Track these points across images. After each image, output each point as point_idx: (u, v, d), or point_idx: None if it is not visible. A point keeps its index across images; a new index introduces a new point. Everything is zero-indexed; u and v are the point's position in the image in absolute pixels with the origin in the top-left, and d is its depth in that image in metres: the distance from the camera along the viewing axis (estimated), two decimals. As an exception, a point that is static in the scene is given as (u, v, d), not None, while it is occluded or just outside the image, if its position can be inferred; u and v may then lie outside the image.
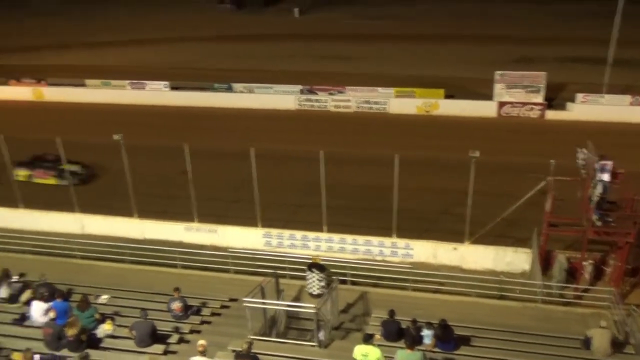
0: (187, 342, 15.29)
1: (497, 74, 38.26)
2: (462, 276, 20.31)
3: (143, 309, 15.17)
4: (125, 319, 15.79)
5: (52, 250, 22.09)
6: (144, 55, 56.13)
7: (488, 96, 38.78)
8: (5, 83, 46.45)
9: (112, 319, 15.53)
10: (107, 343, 14.88)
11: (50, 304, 15.32)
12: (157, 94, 43.37)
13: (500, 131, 35.25)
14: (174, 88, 43.68)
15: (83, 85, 45.27)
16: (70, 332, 13.99)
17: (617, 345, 15.12)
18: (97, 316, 15.30)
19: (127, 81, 44.43)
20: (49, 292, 16.01)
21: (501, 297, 19.72)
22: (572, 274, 20.25)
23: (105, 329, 15.12)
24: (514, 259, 21.68)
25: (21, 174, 29.01)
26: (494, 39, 55.12)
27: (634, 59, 45.80)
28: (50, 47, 58.94)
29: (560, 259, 20.28)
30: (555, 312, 18.35)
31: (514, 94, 38.15)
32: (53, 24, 70.15)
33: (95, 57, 55.48)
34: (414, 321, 15.19)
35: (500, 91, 38.34)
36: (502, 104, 38.21)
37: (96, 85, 45.10)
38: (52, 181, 29.42)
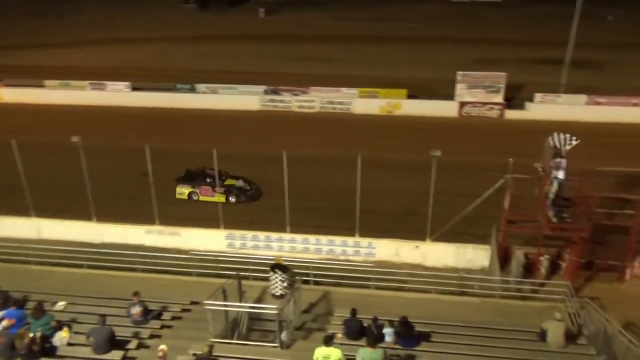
0: (147, 347, 15.06)
1: (459, 74, 38.86)
2: (424, 274, 20.57)
3: (101, 315, 14.88)
4: (83, 326, 15.46)
5: (6, 256, 21.49)
6: (105, 55, 55.14)
7: (450, 96, 39.33)
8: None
9: (69, 326, 15.18)
10: (63, 351, 14.54)
11: (4, 312, 14.91)
12: (118, 95, 42.64)
13: (461, 131, 35.81)
14: (135, 89, 43.01)
15: (42, 86, 44.22)
16: (19, 344, 13.66)
17: (571, 336, 15.55)
18: (53, 324, 14.91)
19: (88, 82, 43.59)
20: (3, 300, 15.57)
21: (461, 293, 20.03)
22: (529, 269, 20.72)
23: (62, 336, 14.75)
24: (474, 256, 22.06)
25: (184, 191, 27.76)
26: (456, 40, 55.96)
27: (590, 59, 47.15)
28: (8, 48, 57.38)
29: (518, 254, 20.72)
30: (512, 306, 18.77)
31: (475, 94, 38.80)
32: (11, 25, 68.31)
33: (55, 57, 54.23)
34: (375, 319, 15.31)
35: (462, 91, 38.95)
36: (463, 104, 38.80)
37: (55, 86, 44.11)
38: (218, 199, 26.72)
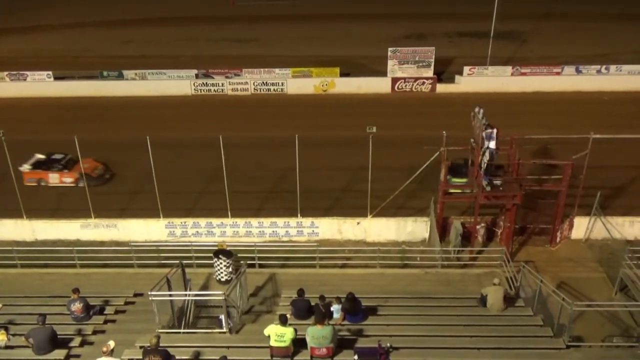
0: (91, 343, 14.69)
1: (390, 50, 39.23)
2: (367, 249, 20.96)
3: (40, 314, 14.34)
4: (22, 327, 14.87)
5: None
6: (23, 44, 52.26)
7: (382, 73, 39.72)
8: None
9: (6, 329, 14.56)
10: (2, 354, 13.98)
11: None
12: (40, 85, 40.59)
13: (395, 106, 36.32)
14: (58, 78, 41.06)
15: (-46, 79, 41.48)
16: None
17: (510, 300, 16.27)
18: (-12, 327, 14.30)
19: (6, 73, 41.21)
20: None
21: (404, 266, 20.55)
22: (467, 237, 21.46)
23: (-2, 339, 14.18)
24: (414, 228, 22.62)
25: None
26: (384, 16, 56.39)
27: (513, 31, 48.75)
28: None
29: (456, 224, 21.39)
30: (453, 274, 19.43)
31: (406, 70, 39.30)
32: None
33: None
34: (322, 297, 15.47)
35: (394, 67, 39.36)
36: (395, 80, 39.32)
37: (-31, 78, 41.47)
38: None
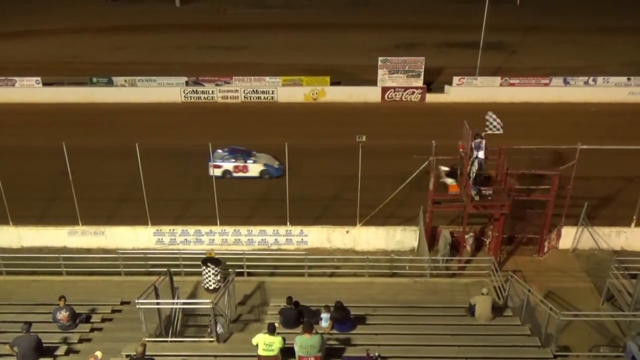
0: (77, 352, 14.54)
1: (380, 59, 39.44)
2: (356, 258, 20.95)
3: (25, 322, 14.17)
4: (6, 335, 14.67)
5: None
6: (12, 49, 51.94)
7: (373, 82, 39.90)
8: None
9: (-10, 337, 14.41)
10: (-14, 363, 13.81)
11: None
12: (28, 90, 40.32)
13: (385, 115, 36.47)
14: (47, 84, 40.82)
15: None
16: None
17: (498, 309, 16.32)
18: (-28, 335, 14.11)
19: (-6, 78, 40.94)
20: None
21: (393, 275, 20.55)
22: (455, 247, 21.52)
23: (-18, 348, 13.98)
24: (403, 237, 22.65)
25: None
26: (375, 26, 56.69)
27: (502, 42, 49.21)
28: None
29: (445, 233, 21.46)
30: (441, 284, 19.47)
31: (396, 79, 39.53)
32: None
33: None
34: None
35: (384, 77, 39.57)
36: (385, 89, 39.51)
37: (-44, 83, 41.11)
38: None
